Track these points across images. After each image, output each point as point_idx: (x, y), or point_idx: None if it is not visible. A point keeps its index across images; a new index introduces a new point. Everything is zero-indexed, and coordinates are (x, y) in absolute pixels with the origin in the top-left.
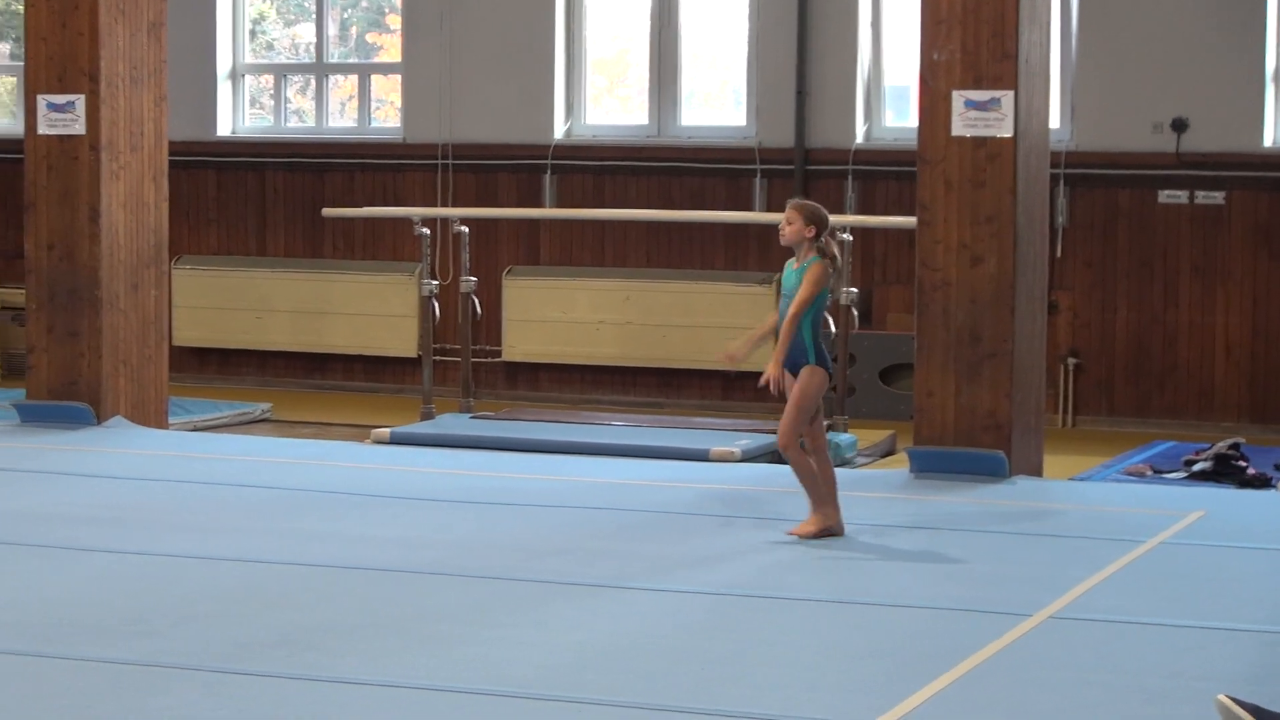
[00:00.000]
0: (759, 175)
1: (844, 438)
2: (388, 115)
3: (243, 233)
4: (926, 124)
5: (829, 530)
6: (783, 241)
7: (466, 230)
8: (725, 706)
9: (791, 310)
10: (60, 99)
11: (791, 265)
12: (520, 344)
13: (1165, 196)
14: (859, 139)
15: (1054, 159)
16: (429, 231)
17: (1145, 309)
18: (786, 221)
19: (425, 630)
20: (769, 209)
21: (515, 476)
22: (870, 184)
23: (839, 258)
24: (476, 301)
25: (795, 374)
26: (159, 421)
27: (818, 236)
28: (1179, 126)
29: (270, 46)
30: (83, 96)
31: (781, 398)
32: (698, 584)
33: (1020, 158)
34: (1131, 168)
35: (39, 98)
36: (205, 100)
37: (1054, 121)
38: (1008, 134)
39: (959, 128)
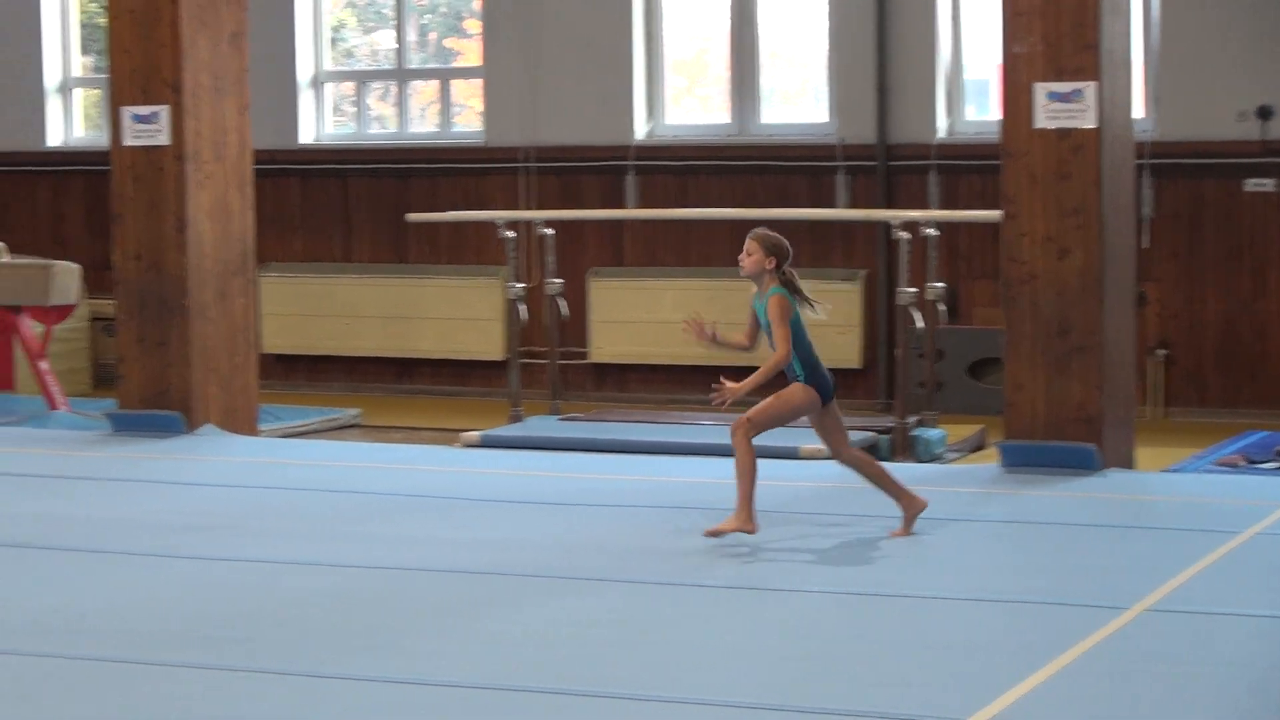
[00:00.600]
0: (841, 172)
1: (934, 433)
2: (468, 120)
3: (328, 239)
4: (1009, 117)
5: (743, 530)
6: (742, 273)
7: (552, 232)
8: (820, 704)
9: (776, 358)
10: (144, 110)
11: (757, 296)
12: (607, 345)
13: (1251, 185)
14: (941, 133)
15: (1138, 149)
16: (514, 234)
17: (1234, 298)
18: (746, 253)
19: (519, 632)
20: (852, 205)
21: (605, 477)
22: (953, 178)
23: (799, 287)
24: (563, 303)
25: (826, 401)
26: (249, 429)
27: (778, 267)
28: (1264, 114)
29: (349, 54)
30: (167, 107)
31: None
32: (790, 582)
33: (1104, 149)
34: (1216, 156)
35: (123, 110)
36: (287, 108)
37: (1137, 111)
38: (1091, 125)
39: (1042, 120)
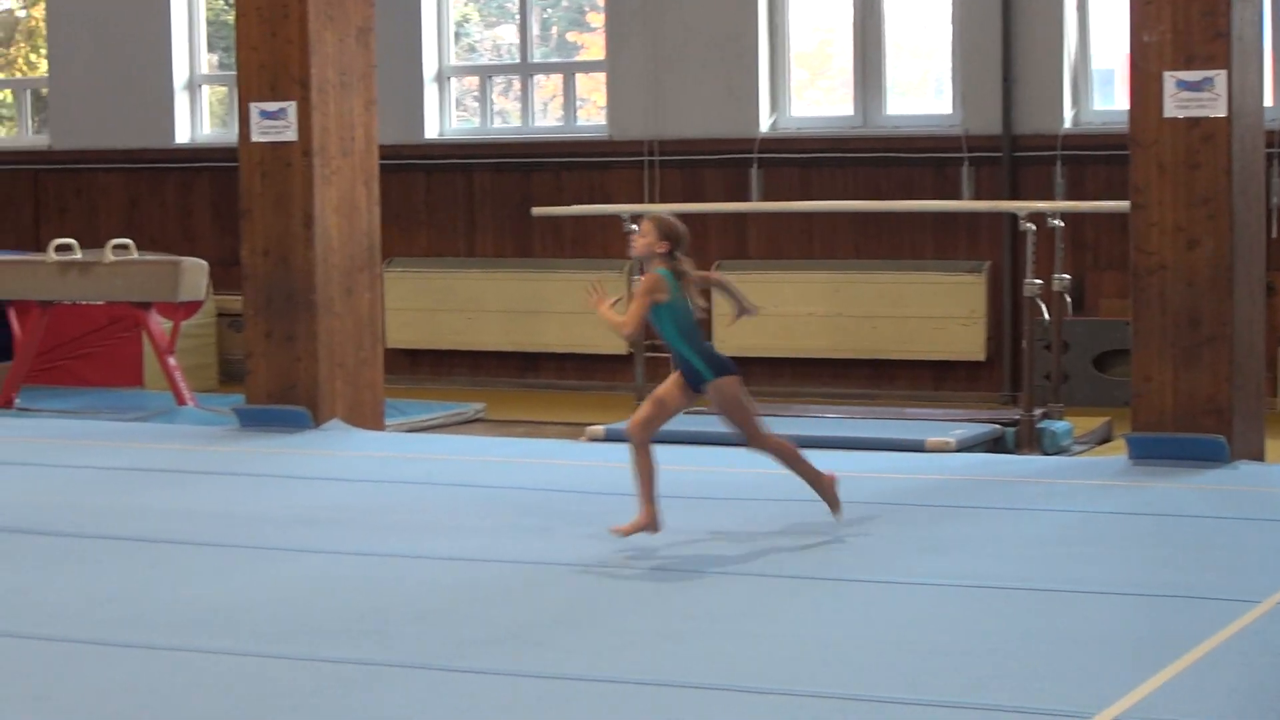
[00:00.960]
0: (966, 163)
1: (1060, 425)
2: (589, 114)
3: (452, 234)
4: (1138, 106)
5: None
6: (631, 254)
7: None
8: (948, 698)
9: (617, 325)
10: (272, 106)
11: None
12: (730, 338)
13: None
14: (1067, 124)
15: (1268, 138)
16: (639, 228)
17: None
18: (640, 234)
19: (647, 626)
20: (976, 197)
21: (730, 471)
22: (1079, 169)
23: (689, 274)
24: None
25: (698, 390)
26: (375, 423)
27: (670, 253)
28: None
29: (471, 49)
30: (294, 103)
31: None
32: (917, 575)
33: (1235, 138)
34: None
35: (251, 105)
36: (412, 103)
37: (1267, 99)
38: (1222, 114)
39: (1171, 109)
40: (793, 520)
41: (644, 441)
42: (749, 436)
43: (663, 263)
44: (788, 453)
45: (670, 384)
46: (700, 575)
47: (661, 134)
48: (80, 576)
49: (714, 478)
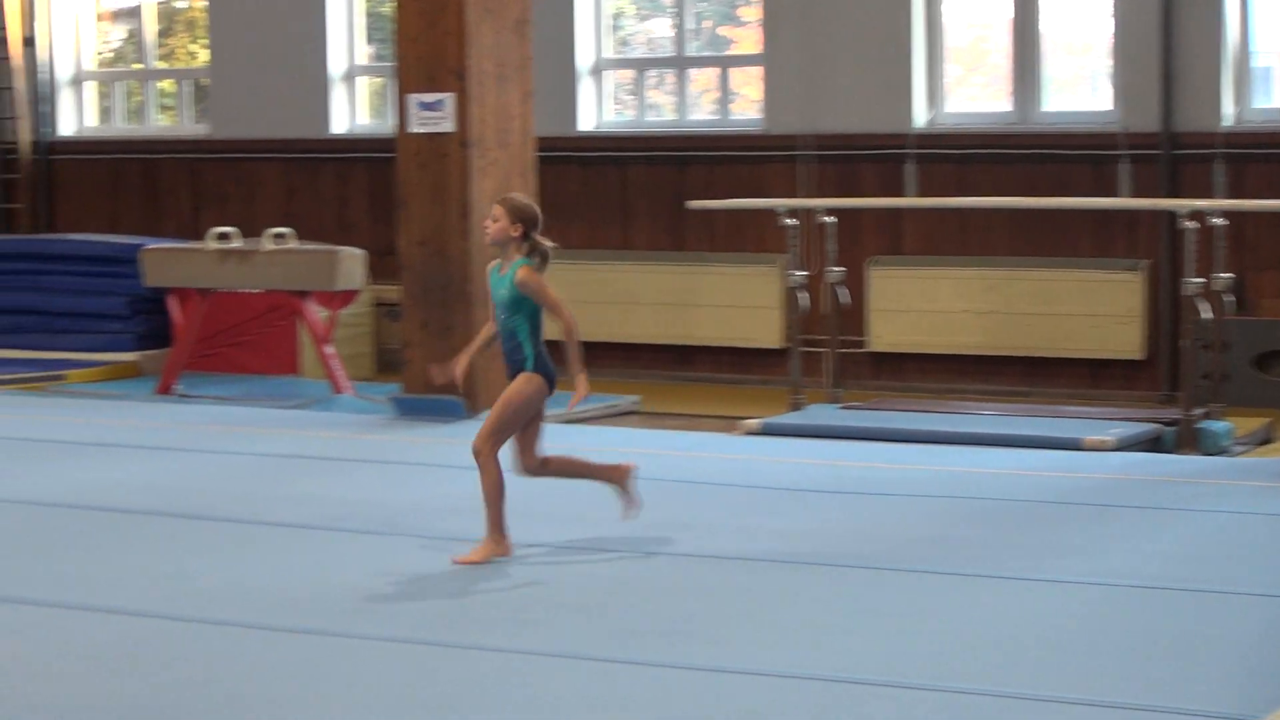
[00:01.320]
0: (1124, 161)
1: (1219, 426)
2: (741, 108)
3: (606, 226)
4: None
5: (497, 554)
6: (487, 240)
7: (834, 220)
8: (1111, 698)
9: (569, 326)
10: (430, 98)
11: (497, 269)
12: (886, 334)
13: None
14: (1227, 121)
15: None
16: (795, 222)
17: None
18: (492, 219)
19: (802, 619)
20: (1135, 195)
21: (886, 466)
22: (1241, 167)
23: (548, 255)
24: (843, 291)
25: (512, 377)
26: None
27: (525, 235)
28: None
29: (624, 42)
30: (452, 95)
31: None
32: (1076, 573)
33: None
34: None
35: (409, 97)
36: (566, 95)
37: None
38: None
39: None
40: (952, 517)
41: (487, 452)
42: (478, 434)
43: (520, 249)
44: (492, 485)
45: (522, 384)
46: (856, 570)
47: (816, 128)
48: (240, 562)
49: (877, 474)
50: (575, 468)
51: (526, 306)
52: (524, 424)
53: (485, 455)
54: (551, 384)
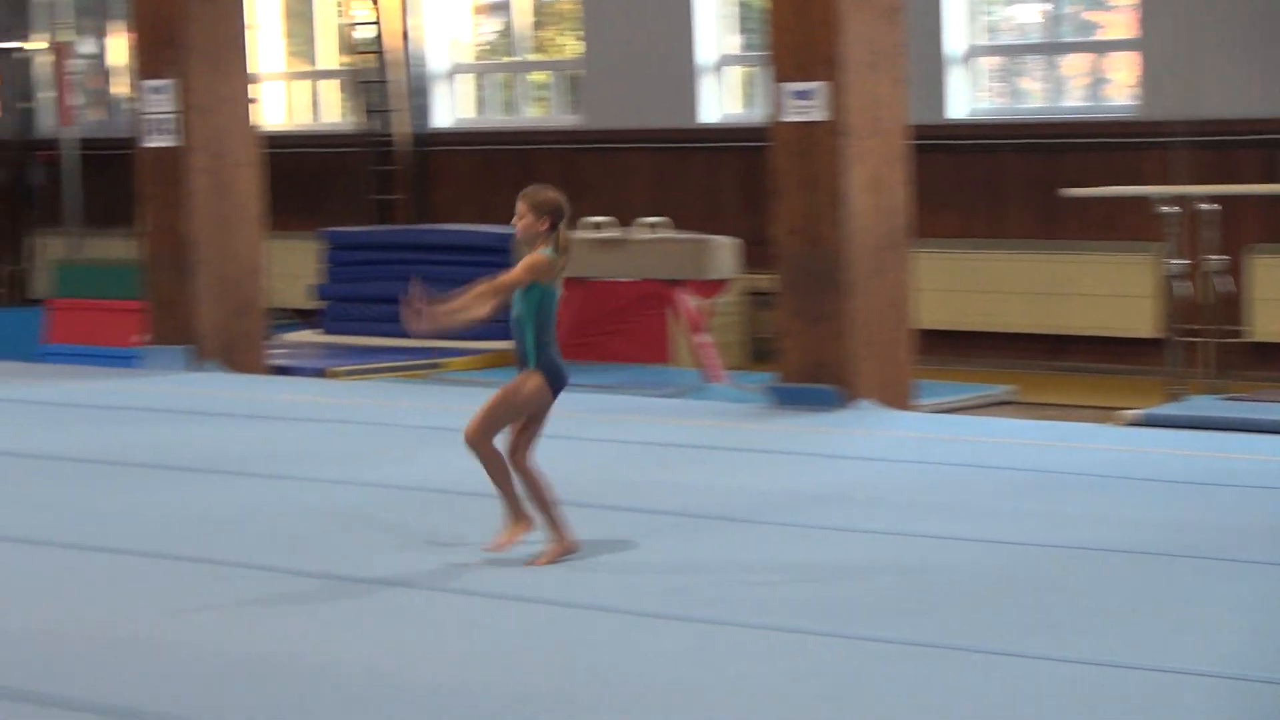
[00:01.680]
0: None
1: None
2: (1112, 93)
3: (977, 214)
4: None
5: (567, 553)
6: (518, 238)
7: (1216, 208)
8: None
9: (497, 282)
10: (803, 86)
11: None
12: (1269, 324)
13: None
14: None
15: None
16: (1173, 210)
17: None
18: (518, 215)
19: (1186, 615)
20: None
21: (1272, 459)
22: None
23: (570, 249)
24: (1224, 280)
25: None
26: (903, 403)
27: (552, 228)
28: None
29: (990, 28)
30: (825, 84)
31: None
32: None
33: None
34: None
35: (782, 86)
36: (934, 83)
37: None
38: None
39: None
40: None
41: (482, 440)
42: (469, 424)
43: (547, 242)
44: (497, 469)
45: (524, 381)
46: (1233, 565)
47: (1194, 114)
48: (625, 550)
49: (1263, 467)
50: (540, 499)
51: (530, 298)
52: (522, 422)
53: (480, 445)
54: (555, 384)
